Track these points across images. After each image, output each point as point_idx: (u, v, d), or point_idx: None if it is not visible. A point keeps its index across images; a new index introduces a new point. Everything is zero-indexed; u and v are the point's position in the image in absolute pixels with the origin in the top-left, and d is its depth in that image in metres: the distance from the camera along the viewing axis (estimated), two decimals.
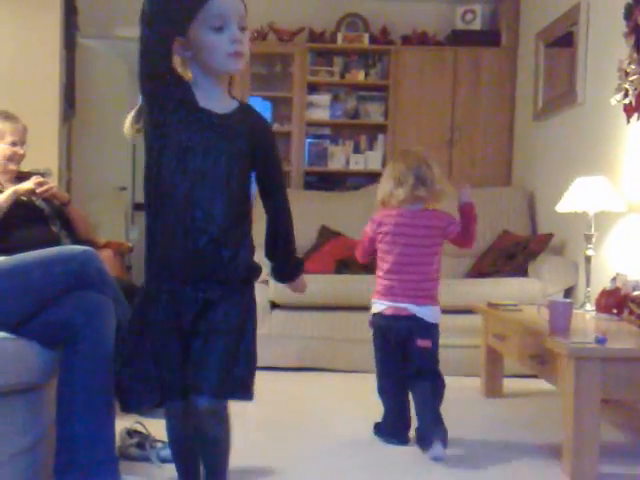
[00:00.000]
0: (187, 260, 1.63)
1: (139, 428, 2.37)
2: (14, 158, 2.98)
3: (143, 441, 2.33)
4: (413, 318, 2.53)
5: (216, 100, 1.67)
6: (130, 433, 2.38)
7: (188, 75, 1.68)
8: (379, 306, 2.62)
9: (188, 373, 1.65)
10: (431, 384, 2.53)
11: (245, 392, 1.74)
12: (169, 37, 1.58)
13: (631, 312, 2.74)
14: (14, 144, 2.97)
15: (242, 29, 1.65)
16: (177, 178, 1.60)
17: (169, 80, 1.61)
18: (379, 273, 2.63)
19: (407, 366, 2.57)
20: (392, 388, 2.64)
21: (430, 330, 2.56)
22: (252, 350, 1.76)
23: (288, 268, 1.90)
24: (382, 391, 2.67)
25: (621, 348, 2.40)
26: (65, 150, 4.84)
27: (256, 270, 1.76)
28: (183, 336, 1.67)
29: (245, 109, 1.73)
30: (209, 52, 1.61)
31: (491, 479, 2.29)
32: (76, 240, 3.02)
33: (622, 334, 2.62)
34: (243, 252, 1.69)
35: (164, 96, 1.61)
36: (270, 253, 1.85)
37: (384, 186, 2.59)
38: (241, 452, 2.49)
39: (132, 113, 1.69)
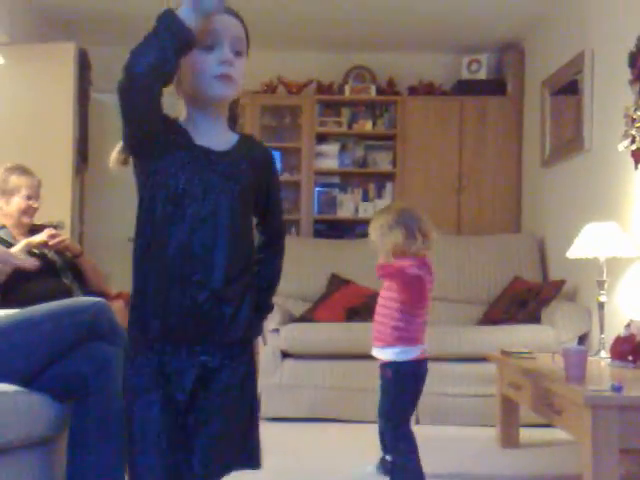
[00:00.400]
0: (184, 318, 1.41)
1: None
2: (28, 212, 3.02)
3: None
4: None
5: (214, 136, 1.48)
6: None
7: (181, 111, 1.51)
8: (416, 351, 2.58)
9: (180, 456, 1.44)
10: None
11: (258, 461, 1.64)
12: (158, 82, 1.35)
13: None
14: (29, 198, 3.01)
15: (237, 53, 1.44)
16: (173, 227, 1.41)
17: (158, 123, 1.41)
18: (413, 318, 2.59)
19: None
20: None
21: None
22: (258, 416, 1.61)
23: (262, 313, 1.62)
24: (405, 437, 2.58)
25: (638, 396, 2.36)
26: (78, 203, 4.89)
27: (257, 328, 1.58)
28: (174, 410, 1.44)
29: (246, 141, 1.54)
30: (195, 74, 1.42)
31: None
32: (88, 292, 3.03)
33: (638, 381, 2.58)
34: (245, 308, 1.46)
35: (154, 142, 1.42)
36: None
37: (396, 236, 2.63)
38: None
39: (117, 148, 1.53)
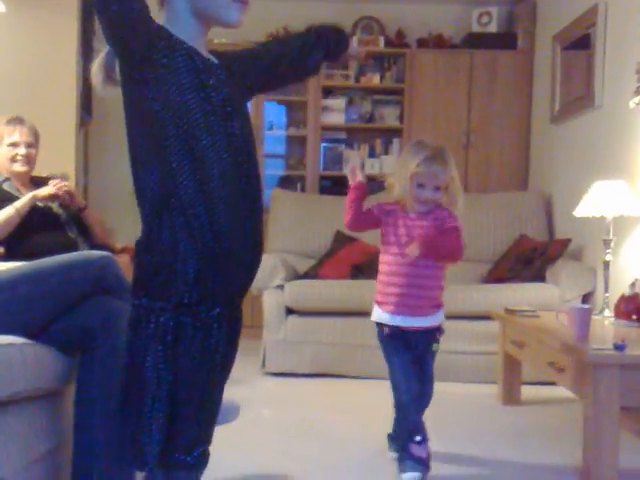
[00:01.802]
0: (244, 266, 1.42)
1: None
2: (17, 159, 2.98)
3: None
4: None
5: (204, 51, 1.42)
6: None
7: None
8: None
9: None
10: None
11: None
12: None
13: None
14: (15, 145, 2.97)
15: None
16: (222, 152, 1.35)
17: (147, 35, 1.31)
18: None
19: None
20: None
21: None
22: None
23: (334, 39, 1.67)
24: None
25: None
26: (82, 155, 4.86)
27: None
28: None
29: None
30: None
31: None
32: (93, 245, 3.03)
33: None
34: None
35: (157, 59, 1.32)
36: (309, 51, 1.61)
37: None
38: (258, 458, 2.49)
39: (100, 58, 1.42)
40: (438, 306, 2.37)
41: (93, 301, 1.89)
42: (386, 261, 2.36)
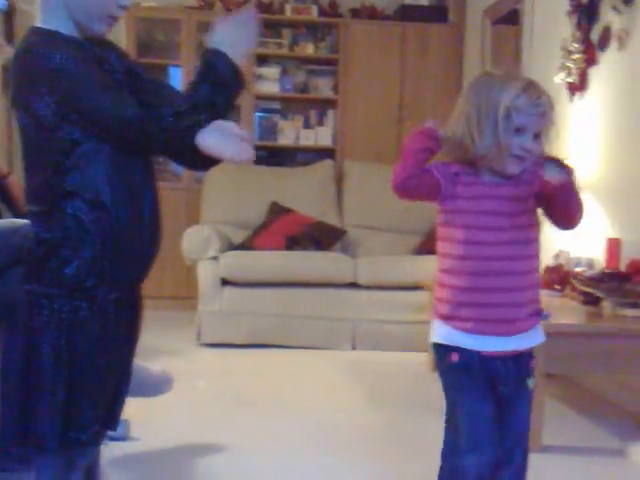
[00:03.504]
0: (142, 250, 1.44)
1: None
2: None
3: None
4: None
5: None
6: None
7: None
8: None
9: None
10: None
11: None
12: None
13: (573, 288, 2.83)
14: None
15: None
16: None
17: None
18: None
19: None
20: None
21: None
22: None
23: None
24: None
25: (563, 323, 2.50)
26: (5, 120, 4.67)
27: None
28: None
29: None
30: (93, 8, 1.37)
31: None
32: (17, 214, 2.94)
33: (565, 310, 2.71)
34: None
35: None
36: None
37: None
38: (193, 428, 2.52)
39: None
40: (539, 313, 1.56)
41: (17, 271, 1.85)
42: (458, 254, 1.51)
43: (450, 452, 1.51)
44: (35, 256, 1.40)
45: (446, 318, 1.52)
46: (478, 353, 1.48)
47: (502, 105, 1.42)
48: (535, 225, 1.54)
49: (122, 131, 1.35)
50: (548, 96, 1.49)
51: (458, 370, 1.50)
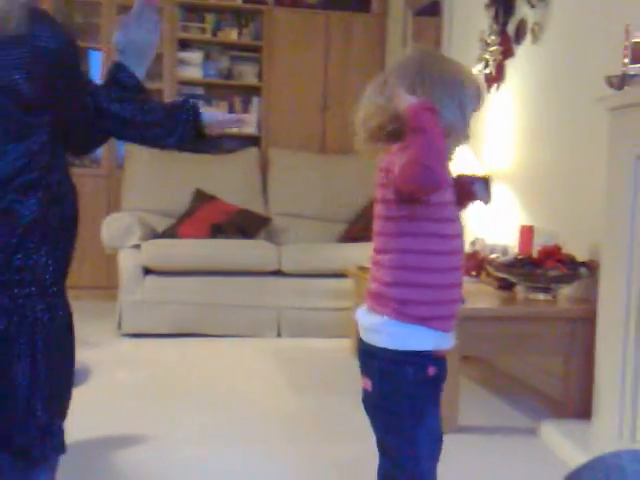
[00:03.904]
0: None
1: None
2: None
3: None
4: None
5: None
6: None
7: None
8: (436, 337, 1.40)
9: None
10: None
11: None
12: None
13: (488, 274, 2.92)
14: None
15: None
16: None
17: None
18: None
19: None
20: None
21: (374, 360, 1.39)
22: None
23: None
24: None
25: (478, 308, 2.58)
26: None
27: None
28: None
29: None
30: None
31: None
32: None
33: (480, 295, 2.80)
34: None
35: None
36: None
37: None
38: (113, 419, 2.47)
39: None
40: None
41: None
42: (446, 250, 1.37)
43: (410, 461, 1.39)
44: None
45: (423, 320, 1.35)
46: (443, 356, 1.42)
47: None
48: None
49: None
50: None
51: (434, 381, 1.40)
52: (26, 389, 1.28)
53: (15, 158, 1.23)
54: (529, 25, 3.19)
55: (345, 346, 3.57)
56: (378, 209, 1.40)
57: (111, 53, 4.78)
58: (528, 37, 3.20)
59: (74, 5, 4.92)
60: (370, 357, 1.38)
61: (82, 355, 2.25)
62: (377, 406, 1.39)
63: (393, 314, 1.35)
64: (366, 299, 1.42)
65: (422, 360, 1.37)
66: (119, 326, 3.81)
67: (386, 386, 1.36)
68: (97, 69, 4.91)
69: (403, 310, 1.35)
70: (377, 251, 1.40)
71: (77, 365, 2.27)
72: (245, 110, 5.14)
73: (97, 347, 3.46)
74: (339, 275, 3.75)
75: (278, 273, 3.97)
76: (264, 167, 4.80)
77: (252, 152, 4.81)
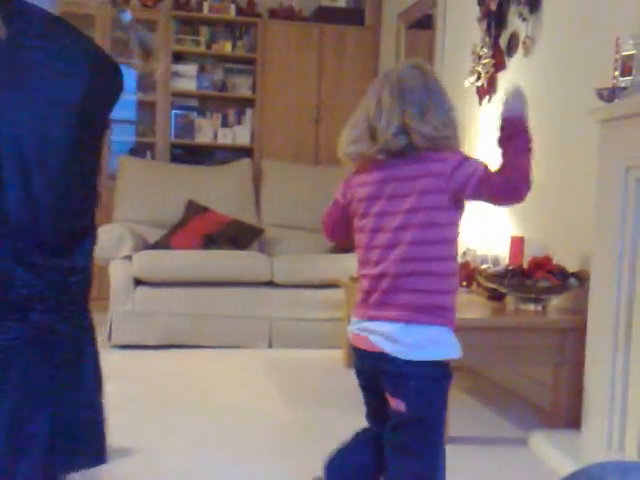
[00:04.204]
0: None
1: None
2: None
3: None
4: (380, 354, 1.39)
5: None
6: None
7: None
8: (349, 327, 1.50)
9: None
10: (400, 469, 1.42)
11: None
12: None
13: (479, 284, 2.93)
14: None
15: None
16: None
17: None
18: (357, 271, 1.50)
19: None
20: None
21: (409, 380, 1.36)
22: None
23: None
24: None
25: (469, 318, 2.58)
26: None
27: None
28: None
29: None
30: None
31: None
32: None
33: (471, 305, 2.80)
34: None
35: None
36: None
37: (345, 129, 1.54)
38: None
39: None
40: None
41: None
42: (456, 254, 1.48)
43: (438, 472, 1.41)
44: None
45: (452, 325, 1.42)
46: None
47: None
48: None
49: None
50: None
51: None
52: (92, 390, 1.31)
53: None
54: (521, 38, 3.22)
55: (337, 357, 3.56)
56: (420, 217, 1.37)
57: None
58: (520, 50, 3.23)
59: (67, 18, 4.93)
60: (404, 377, 1.34)
61: None
62: (415, 426, 1.36)
63: (441, 322, 1.36)
64: (399, 312, 1.34)
65: (450, 369, 1.40)
66: (109, 337, 3.79)
67: (422, 402, 1.35)
68: None
69: (448, 317, 1.38)
70: (429, 259, 1.36)
71: None
72: (239, 122, 5.16)
73: None
74: (331, 286, 3.74)
75: (270, 284, 3.96)
76: (257, 178, 4.80)
77: (245, 163, 4.82)
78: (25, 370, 1.16)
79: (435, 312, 1.36)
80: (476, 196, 1.39)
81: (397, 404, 1.36)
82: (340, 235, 1.56)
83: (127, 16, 1.35)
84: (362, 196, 1.45)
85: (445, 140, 1.39)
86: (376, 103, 1.42)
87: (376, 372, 1.39)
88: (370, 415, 1.57)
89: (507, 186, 1.37)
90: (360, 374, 1.51)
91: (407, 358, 1.33)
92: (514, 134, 1.46)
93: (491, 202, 1.43)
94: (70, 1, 4.66)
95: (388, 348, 1.34)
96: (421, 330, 1.34)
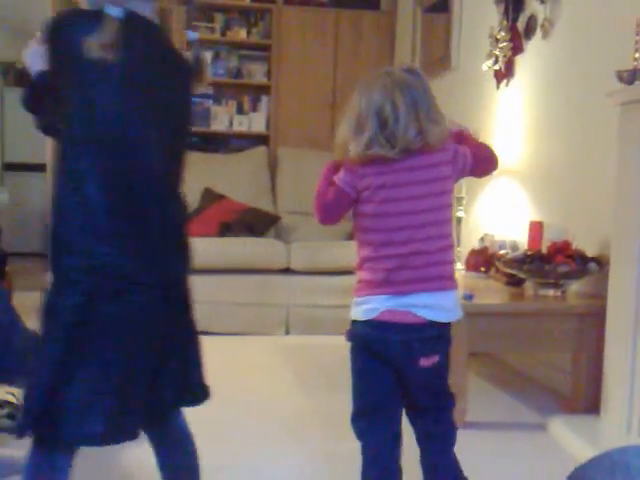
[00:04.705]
0: None
1: (10, 398, 2.29)
2: None
3: (14, 411, 2.25)
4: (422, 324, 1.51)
5: None
6: (1, 404, 2.29)
7: None
8: (371, 306, 1.57)
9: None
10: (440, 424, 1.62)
11: None
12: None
13: (497, 270, 2.91)
14: None
15: None
16: None
17: None
18: (366, 253, 1.60)
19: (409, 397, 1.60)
20: (377, 428, 1.61)
21: (444, 338, 1.56)
22: None
23: None
24: (361, 433, 1.63)
25: (487, 304, 2.57)
26: None
27: None
28: None
29: None
30: None
31: None
32: None
33: (489, 291, 2.79)
34: None
35: None
36: None
37: (343, 127, 1.61)
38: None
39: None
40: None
41: None
42: None
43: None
44: None
45: None
46: None
47: None
48: None
49: None
50: None
51: None
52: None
53: None
54: (539, 21, 3.17)
55: None
56: (441, 200, 1.54)
57: None
58: (538, 33, 3.19)
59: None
60: (441, 337, 1.53)
61: None
62: (445, 371, 1.59)
63: (456, 286, 1.57)
64: (436, 283, 1.51)
65: None
66: None
67: (449, 350, 1.59)
68: None
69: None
70: (446, 236, 1.54)
71: None
72: (254, 109, 5.15)
73: None
74: (348, 272, 3.73)
75: (287, 271, 3.97)
76: (273, 165, 4.80)
77: (261, 151, 4.82)
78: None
79: (454, 279, 1.55)
80: (471, 172, 1.61)
81: (430, 360, 1.53)
82: (337, 220, 1.70)
83: (192, 35, 1.47)
84: (382, 183, 1.52)
85: (448, 135, 1.58)
86: (392, 108, 1.50)
87: (409, 343, 1.51)
88: (380, 399, 1.61)
89: (492, 155, 1.63)
90: (377, 352, 1.57)
91: (447, 320, 1.52)
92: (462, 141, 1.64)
93: (477, 175, 1.64)
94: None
95: (431, 316, 1.50)
96: (452, 295, 1.54)
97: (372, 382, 1.61)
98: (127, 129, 1.25)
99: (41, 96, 1.35)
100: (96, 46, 1.21)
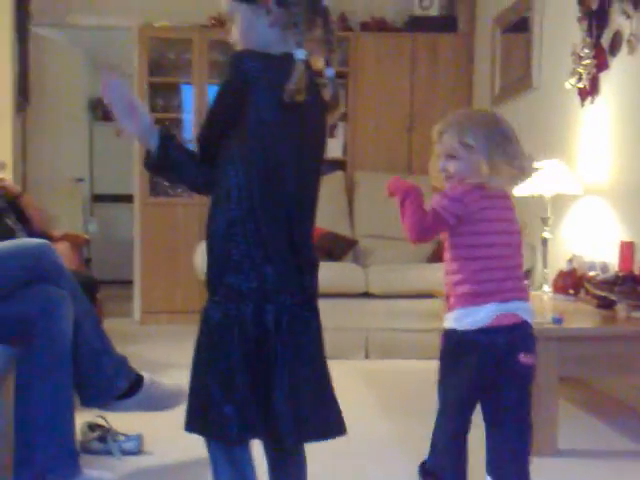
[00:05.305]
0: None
1: (100, 422, 2.35)
2: None
3: (105, 434, 2.31)
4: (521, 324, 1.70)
5: None
6: (92, 427, 2.35)
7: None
8: (483, 314, 1.69)
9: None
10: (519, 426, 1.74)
11: None
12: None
13: (587, 292, 2.80)
14: None
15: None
16: None
17: None
18: (475, 267, 1.70)
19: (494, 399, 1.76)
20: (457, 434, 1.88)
21: (533, 336, 1.74)
22: None
23: None
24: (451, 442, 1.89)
25: (577, 328, 2.47)
26: (20, 142, 4.74)
27: None
28: None
29: None
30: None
31: None
32: (31, 233, 2.97)
33: (578, 314, 2.68)
34: None
35: None
36: None
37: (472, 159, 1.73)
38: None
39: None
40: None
41: (31, 290, 1.87)
42: None
43: None
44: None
45: None
46: None
47: None
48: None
49: None
50: (438, 124, 1.83)
51: None
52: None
53: None
54: (625, 36, 3.08)
55: (434, 367, 3.48)
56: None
57: (202, 88, 4.96)
58: (624, 48, 3.09)
59: (167, 42, 5.13)
60: (533, 336, 1.73)
61: (175, 378, 2.29)
62: (533, 368, 1.74)
63: None
64: (522, 295, 1.73)
65: None
66: None
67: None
68: (189, 103, 5.10)
69: None
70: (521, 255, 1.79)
71: (174, 387, 2.31)
72: (331, 135, 5.19)
73: (188, 370, 3.53)
74: (427, 296, 3.68)
75: (365, 295, 3.95)
76: (350, 190, 4.81)
77: (338, 176, 4.84)
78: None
79: None
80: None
81: (528, 358, 1.70)
82: (429, 240, 1.92)
83: (330, 71, 1.56)
84: (490, 205, 1.71)
85: None
86: (515, 142, 1.76)
87: (514, 340, 1.69)
88: (467, 412, 1.86)
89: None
90: (483, 360, 1.73)
91: (531, 322, 1.73)
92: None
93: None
94: (168, 27, 4.87)
95: (528, 317, 1.72)
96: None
97: (470, 398, 1.86)
98: (296, 179, 1.45)
99: (166, 169, 1.51)
100: (291, 92, 1.35)
